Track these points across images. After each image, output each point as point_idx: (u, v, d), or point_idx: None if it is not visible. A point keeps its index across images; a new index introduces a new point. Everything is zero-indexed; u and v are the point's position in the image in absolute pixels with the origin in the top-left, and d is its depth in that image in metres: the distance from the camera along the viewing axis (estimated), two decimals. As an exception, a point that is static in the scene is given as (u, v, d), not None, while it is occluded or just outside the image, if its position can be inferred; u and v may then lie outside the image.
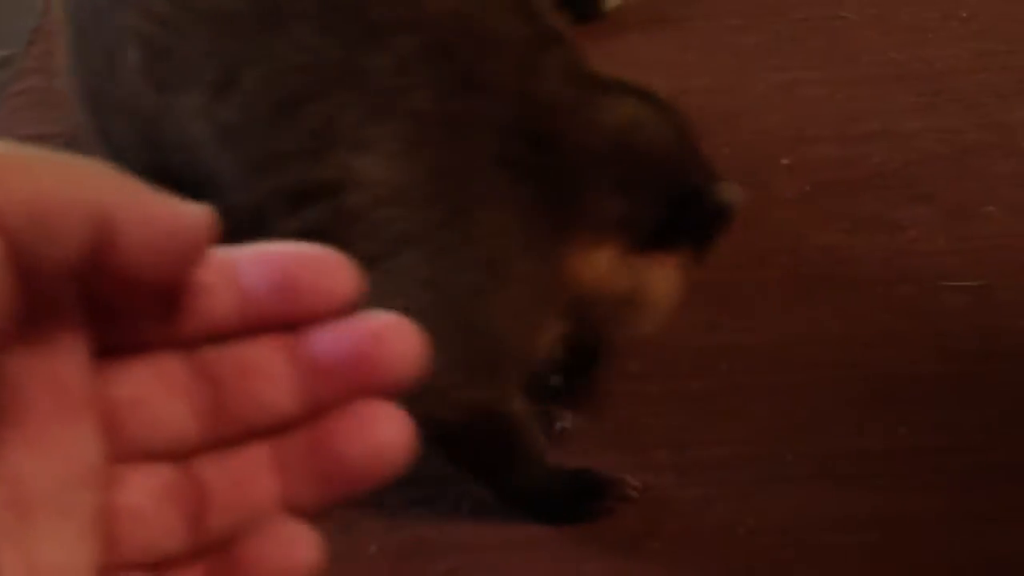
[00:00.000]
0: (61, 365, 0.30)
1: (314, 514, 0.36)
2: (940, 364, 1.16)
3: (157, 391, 0.32)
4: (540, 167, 0.87)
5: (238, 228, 0.89)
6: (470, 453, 0.99)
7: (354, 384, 0.34)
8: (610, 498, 1.03)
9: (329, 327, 0.34)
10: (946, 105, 1.47)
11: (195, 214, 0.31)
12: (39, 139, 1.42)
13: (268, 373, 0.34)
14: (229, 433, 0.34)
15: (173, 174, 0.91)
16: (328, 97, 0.87)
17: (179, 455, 0.33)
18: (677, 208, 0.91)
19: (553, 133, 0.89)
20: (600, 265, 0.91)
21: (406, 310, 0.77)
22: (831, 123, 1.46)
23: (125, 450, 0.32)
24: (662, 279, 0.96)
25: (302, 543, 0.36)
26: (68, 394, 0.30)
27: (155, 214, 0.30)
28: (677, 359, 1.18)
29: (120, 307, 0.31)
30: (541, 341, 0.93)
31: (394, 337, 0.34)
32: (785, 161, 1.41)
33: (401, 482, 1.03)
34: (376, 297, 0.83)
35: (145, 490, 0.32)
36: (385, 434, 0.34)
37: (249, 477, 0.35)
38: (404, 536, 1.03)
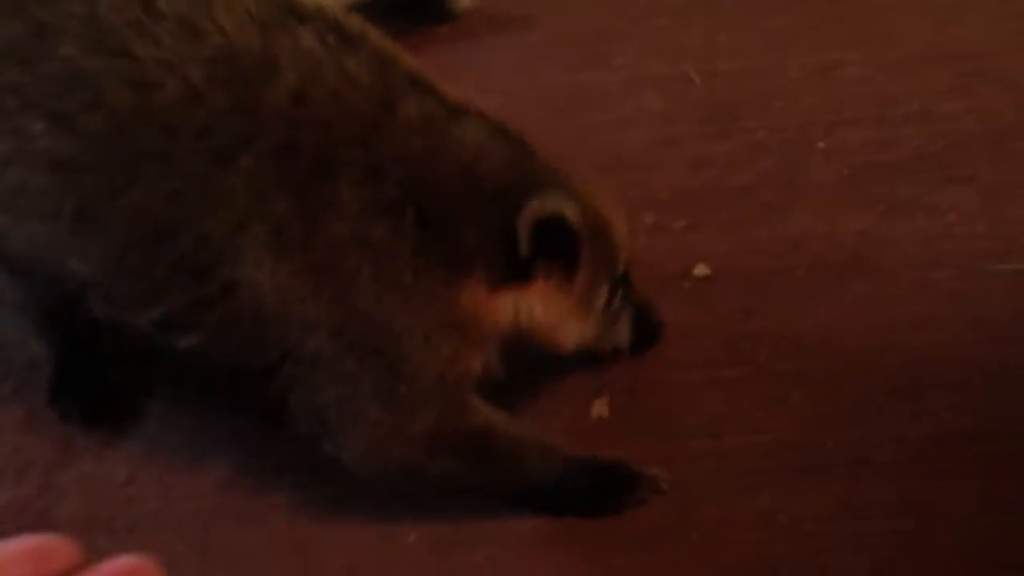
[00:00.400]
0: None
1: None
2: (980, 349, 1.14)
3: None
4: (409, 223, 0.90)
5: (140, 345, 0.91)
6: (460, 473, 0.99)
7: None
8: (641, 491, 1.03)
9: None
10: (985, 86, 1.45)
11: None
12: None
13: None
14: None
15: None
16: (196, 223, 0.90)
17: None
18: (520, 237, 0.91)
19: (415, 184, 0.91)
20: (481, 300, 0.93)
21: (336, 381, 0.85)
22: (868, 105, 1.43)
23: None
24: (540, 305, 0.96)
25: None
26: None
27: None
28: (713, 347, 1.17)
29: None
30: (465, 367, 0.95)
31: None
32: (821, 144, 1.39)
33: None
34: (304, 382, 0.87)
35: None
36: None
37: None
38: (442, 525, 1.03)
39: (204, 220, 0.89)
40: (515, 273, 0.93)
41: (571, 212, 0.92)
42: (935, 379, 1.12)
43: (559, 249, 0.93)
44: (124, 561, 0.52)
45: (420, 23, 1.62)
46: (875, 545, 1.00)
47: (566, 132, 1.42)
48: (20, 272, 1.00)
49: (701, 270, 1.26)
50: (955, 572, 0.98)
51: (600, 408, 1.12)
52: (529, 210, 0.90)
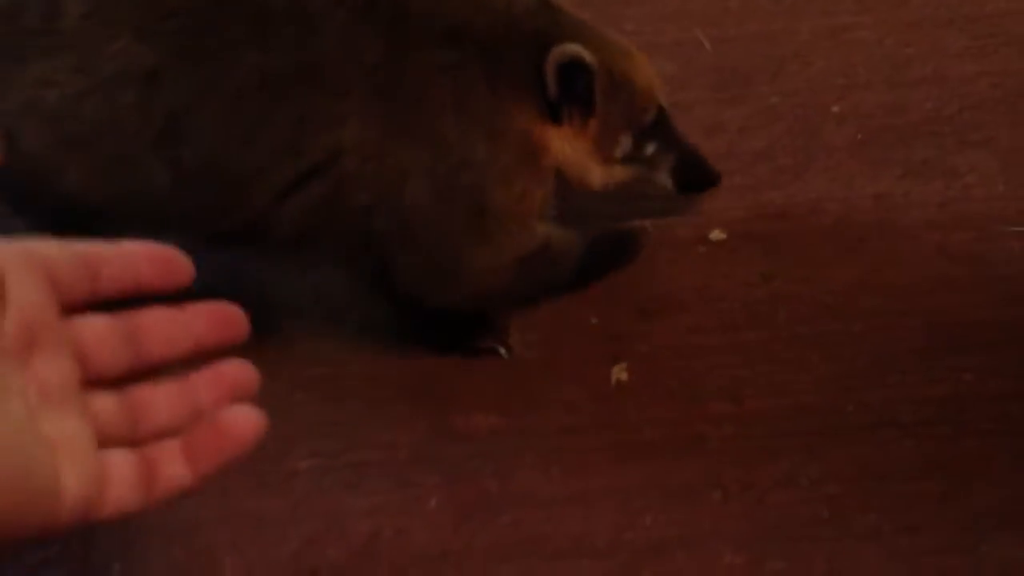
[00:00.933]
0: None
1: None
2: (1001, 310, 1.14)
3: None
4: (473, 55, 1.00)
5: (240, 236, 1.04)
6: (537, 289, 1.12)
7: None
8: (638, 240, 1.20)
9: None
10: (1000, 48, 1.44)
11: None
12: None
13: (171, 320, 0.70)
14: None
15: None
16: (295, 99, 0.96)
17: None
18: (548, 79, 1.01)
19: (467, 23, 1.00)
20: (539, 135, 1.03)
21: (425, 226, 0.99)
22: (881, 68, 1.42)
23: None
24: (567, 147, 1.06)
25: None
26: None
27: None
28: (733, 311, 1.16)
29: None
30: (532, 202, 1.06)
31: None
32: (835, 108, 1.38)
33: (456, 436, 1.04)
34: (398, 238, 1.00)
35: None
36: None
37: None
38: (465, 490, 1.03)
39: (303, 93, 0.96)
40: (551, 114, 1.03)
41: (589, 57, 1.00)
42: (956, 340, 1.12)
43: (579, 93, 1.02)
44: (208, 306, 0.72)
45: None
46: (900, 507, 1.00)
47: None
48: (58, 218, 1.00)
49: (717, 235, 1.25)
50: (980, 533, 0.98)
51: (619, 373, 1.12)
52: (555, 53, 0.99)
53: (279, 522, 1.02)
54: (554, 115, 1.03)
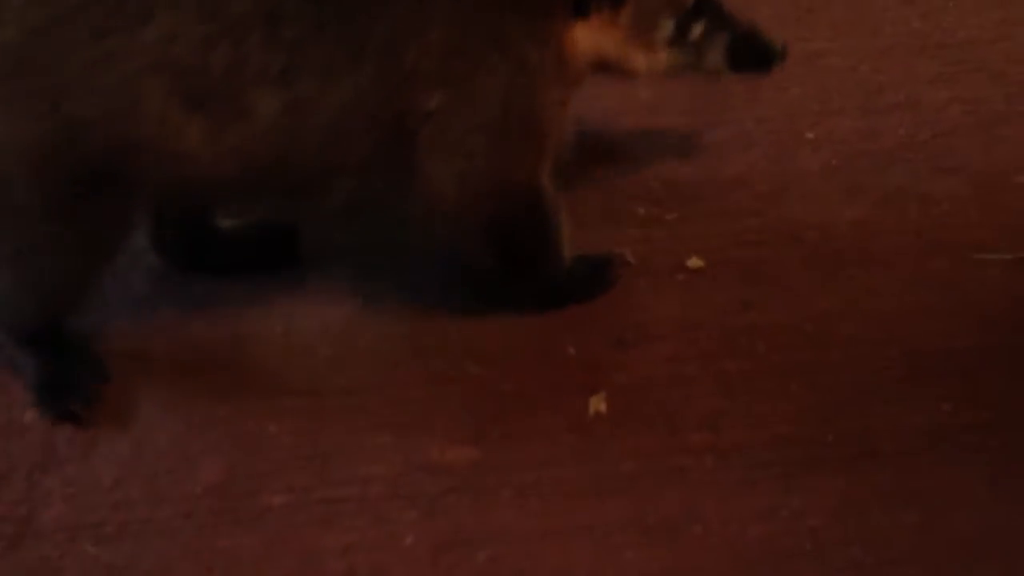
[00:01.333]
0: None
1: None
2: (978, 337, 1.14)
3: None
4: None
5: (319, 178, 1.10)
6: (516, 237, 1.13)
7: None
8: (616, 267, 1.21)
9: None
10: (971, 74, 1.45)
11: None
12: None
13: None
14: None
15: None
16: (386, 14, 1.03)
17: None
18: None
19: None
20: (565, 35, 1.08)
21: (482, 127, 1.05)
22: (855, 95, 1.43)
23: None
24: (601, 38, 1.10)
25: None
26: None
27: None
28: (711, 340, 1.16)
29: None
30: (556, 113, 1.10)
31: None
32: (810, 135, 1.39)
33: (432, 470, 1.02)
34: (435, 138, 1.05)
35: None
36: None
37: None
38: (441, 526, 1.01)
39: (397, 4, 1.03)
40: (578, 9, 1.07)
41: None
42: (933, 369, 1.12)
43: None
44: None
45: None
46: (881, 539, 0.99)
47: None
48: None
49: (695, 262, 1.24)
50: (961, 563, 0.97)
51: (598, 404, 1.10)
52: None
53: (253, 561, 0.99)
54: (581, 9, 1.07)
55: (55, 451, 1.08)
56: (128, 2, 0.98)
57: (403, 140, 1.06)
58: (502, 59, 1.05)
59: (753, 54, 1.19)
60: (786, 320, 1.17)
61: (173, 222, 1.20)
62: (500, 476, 1.04)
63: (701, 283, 1.22)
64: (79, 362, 1.11)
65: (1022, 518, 1.00)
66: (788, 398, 1.10)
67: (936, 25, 1.52)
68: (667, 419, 1.09)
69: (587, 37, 1.09)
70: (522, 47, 1.06)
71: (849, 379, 1.11)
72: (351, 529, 1.01)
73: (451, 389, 1.11)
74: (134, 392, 1.12)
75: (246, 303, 1.19)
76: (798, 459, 1.05)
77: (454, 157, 1.07)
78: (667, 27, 1.13)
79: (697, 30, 1.15)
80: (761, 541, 1.00)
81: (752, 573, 0.97)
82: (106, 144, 0.99)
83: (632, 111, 1.41)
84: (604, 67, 1.13)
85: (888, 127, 1.39)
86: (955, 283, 1.20)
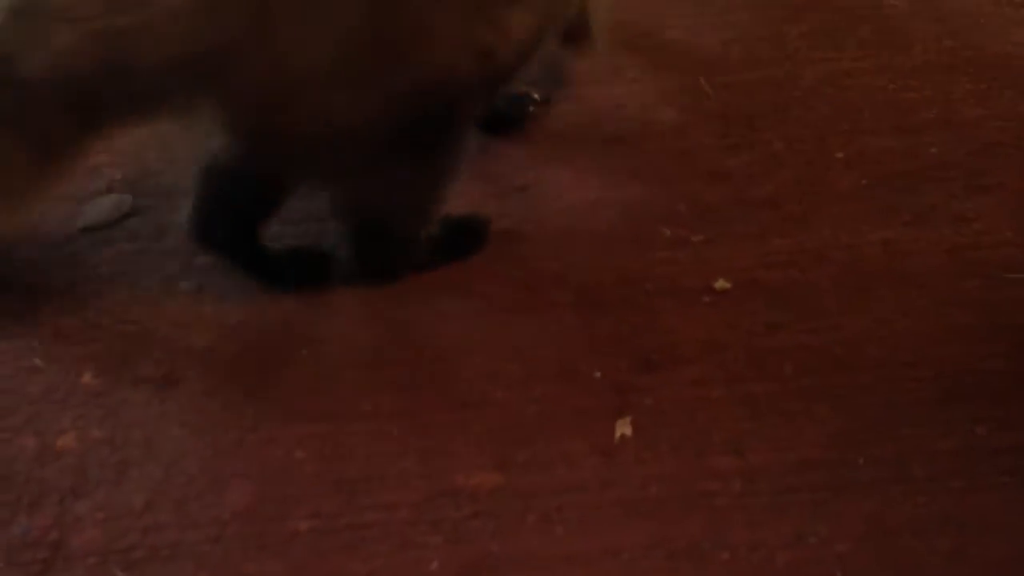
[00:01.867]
0: None
1: None
2: (1012, 360, 1.12)
3: None
4: None
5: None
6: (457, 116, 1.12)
7: None
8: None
9: None
10: (1004, 91, 1.43)
11: None
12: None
13: None
14: None
15: None
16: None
17: None
18: None
19: None
20: None
21: None
22: (886, 114, 1.42)
23: None
24: None
25: None
26: None
27: None
28: (739, 362, 1.15)
29: None
30: None
31: None
32: (840, 154, 1.37)
33: (457, 495, 1.02)
34: None
35: None
36: None
37: None
38: (466, 551, 1.01)
39: None
40: None
41: None
42: (965, 391, 1.10)
43: None
44: None
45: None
46: (912, 565, 0.97)
47: (581, 146, 1.41)
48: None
49: (722, 284, 1.23)
50: (995, 591, 0.95)
51: (623, 428, 1.10)
52: None
53: (278, 585, 1.00)
54: None
55: (87, 476, 1.09)
56: None
57: None
58: None
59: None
60: (814, 342, 1.16)
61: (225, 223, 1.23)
62: (525, 501, 1.04)
63: (728, 305, 1.21)
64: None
65: (1058, 544, 0.97)
66: (817, 421, 1.09)
67: (967, 42, 1.51)
68: (693, 443, 1.08)
69: None
70: None
71: (879, 402, 1.10)
72: (376, 555, 1.01)
73: (475, 414, 1.11)
74: (165, 417, 1.13)
75: (274, 329, 1.20)
76: (827, 484, 1.04)
77: None
78: None
79: None
80: (789, 567, 0.98)
81: (779, 600, 0.96)
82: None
83: (657, 133, 1.41)
84: None
85: (921, 146, 1.38)
86: (988, 303, 1.18)
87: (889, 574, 0.97)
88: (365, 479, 1.07)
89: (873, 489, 1.03)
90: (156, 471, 1.09)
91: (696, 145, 1.41)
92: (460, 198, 1.23)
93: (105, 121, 1.09)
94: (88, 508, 1.06)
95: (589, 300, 1.22)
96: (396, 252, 1.24)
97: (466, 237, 1.27)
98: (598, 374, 1.15)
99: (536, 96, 1.43)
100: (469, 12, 1.09)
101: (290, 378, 1.16)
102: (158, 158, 1.37)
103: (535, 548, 1.01)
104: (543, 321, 1.20)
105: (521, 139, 1.41)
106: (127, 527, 1.04)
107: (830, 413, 1.09)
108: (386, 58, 1.06)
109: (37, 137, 1.06)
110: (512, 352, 1.16)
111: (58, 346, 1.19)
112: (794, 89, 1.48)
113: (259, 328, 1.20)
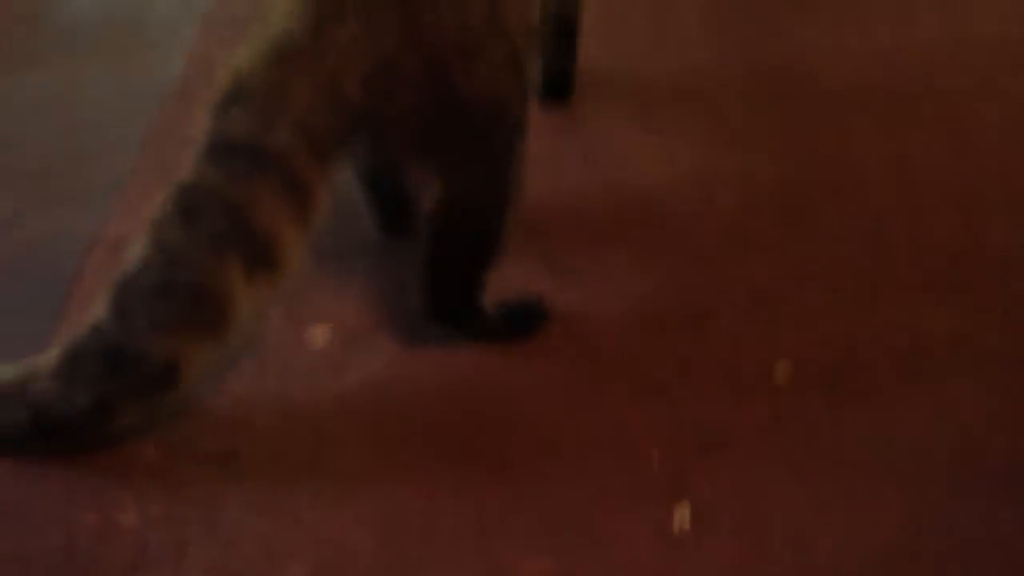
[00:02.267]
0: None
1: None
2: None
3: None
4: None
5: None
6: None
7: None
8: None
9: None
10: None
11: None
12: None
13: None
14: None
15: None
16: None
17: None
18: None
19: None
20: None
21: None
22: (949, 195, 1.40)
23: None
24: None
25: None
26: None
27: None
28: (799, 447, 1.12)
29: None
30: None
31: None
32: (902, 238, 1.36)
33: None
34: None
35: None
36: None
37: None
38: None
39: None
40: None
41: None
42: (1037, 480, 1.07)
43: None
44: None
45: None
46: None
47: (639, 228, 1.42)
48: None
49: (783, 367, 1.22)
50: None
51: (682, 511, 1.08)
52: None
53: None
54: None
55: (147, 554, 1.10)
56: None
57: None
58: None
59: None
60: (879, 428, 1.13)
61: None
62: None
63: (789, 388, 1.19)
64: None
65: None
66: (882, 508, 1.06)
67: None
68: (754, 531, 1.06)
69: None
70: None
71: (948, 490, 1.07)
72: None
73: (530, 489, 1.10)
74: (223, 495, 1.14)
75: (327, 405, 1.21)
76: (894, 574, 1.00)
77: None
78: None
79: None
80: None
81: None
82: None
83: (715, 215, 1.42)
84: None
85: (988, 229, 1.36)
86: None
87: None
88: (421, 563, 1.06)
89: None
90: (215, 549, 1.10)
91: (755, 227, 1.41)
92: (518, 279, 1.25)
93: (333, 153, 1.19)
94: (147, 585, 1.07)
95: (646, 381, 1.21)
96: (472, 284, 1.26)
97: (526, 315, 1.29)
98: (656, 454, 1.13)
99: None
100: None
101: (345, 455, 1.16)
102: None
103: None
104: (600, 400, 1.19)
105: (575, 221, 1.42)
106: (185, 605, 1.05)
107: (898, 499, 1.06)
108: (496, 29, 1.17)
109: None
110: (568, 428, 1.16)
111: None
112: (854, 170, 1.48)
113: (314, 406, 1.21)
